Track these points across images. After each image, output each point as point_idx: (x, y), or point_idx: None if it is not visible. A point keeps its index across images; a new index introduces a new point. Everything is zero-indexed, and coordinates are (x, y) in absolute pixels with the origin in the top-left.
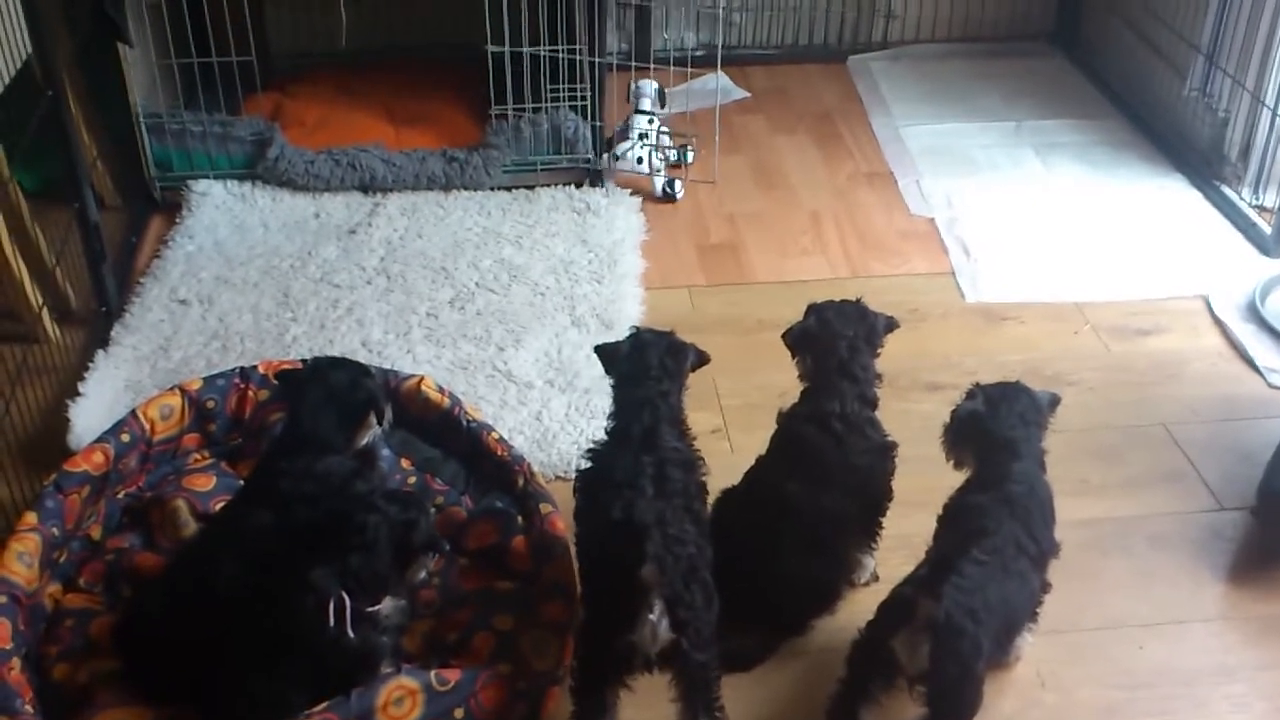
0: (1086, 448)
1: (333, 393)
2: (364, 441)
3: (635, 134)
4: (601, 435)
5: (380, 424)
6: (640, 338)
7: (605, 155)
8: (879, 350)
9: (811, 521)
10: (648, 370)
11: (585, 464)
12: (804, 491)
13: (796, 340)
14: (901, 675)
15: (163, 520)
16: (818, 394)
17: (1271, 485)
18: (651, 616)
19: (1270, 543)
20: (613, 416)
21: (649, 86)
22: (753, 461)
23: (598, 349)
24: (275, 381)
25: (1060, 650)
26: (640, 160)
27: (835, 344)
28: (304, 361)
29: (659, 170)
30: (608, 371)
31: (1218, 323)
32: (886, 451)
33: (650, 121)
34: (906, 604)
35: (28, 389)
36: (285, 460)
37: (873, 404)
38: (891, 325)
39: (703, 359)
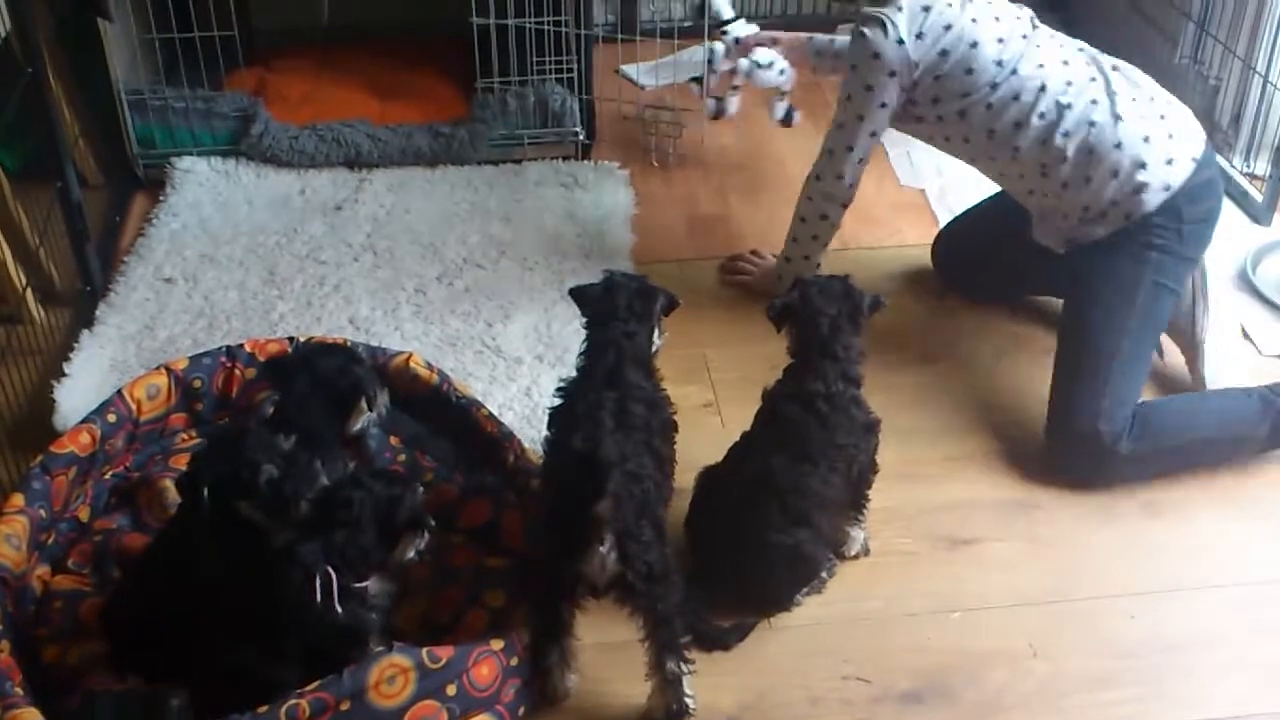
0: None
1: (321, 380)
2: (357, 427)
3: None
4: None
5: (372, 410)
6: (612, 280)
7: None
8: (863, 328)
9: (795, 496)
10: (615, 312)
11: (555, 399)
12: (788, 466)
13: (779, 316)
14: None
15: (150, 500)
16: (801, 372)
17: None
18: (602, 549)
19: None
20: (582, 355)
21: None
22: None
23: (572, 291)
24: (264, 367)
25: (1051, 620)
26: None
27: (817, 321)
28: (290, 340)
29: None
30: (582, 312)
31: None
32: (871, 429)
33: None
34: None
35: (12, 370)
36: None
37: (857, 382)
38: (877, 304)
39: (673, 303)
